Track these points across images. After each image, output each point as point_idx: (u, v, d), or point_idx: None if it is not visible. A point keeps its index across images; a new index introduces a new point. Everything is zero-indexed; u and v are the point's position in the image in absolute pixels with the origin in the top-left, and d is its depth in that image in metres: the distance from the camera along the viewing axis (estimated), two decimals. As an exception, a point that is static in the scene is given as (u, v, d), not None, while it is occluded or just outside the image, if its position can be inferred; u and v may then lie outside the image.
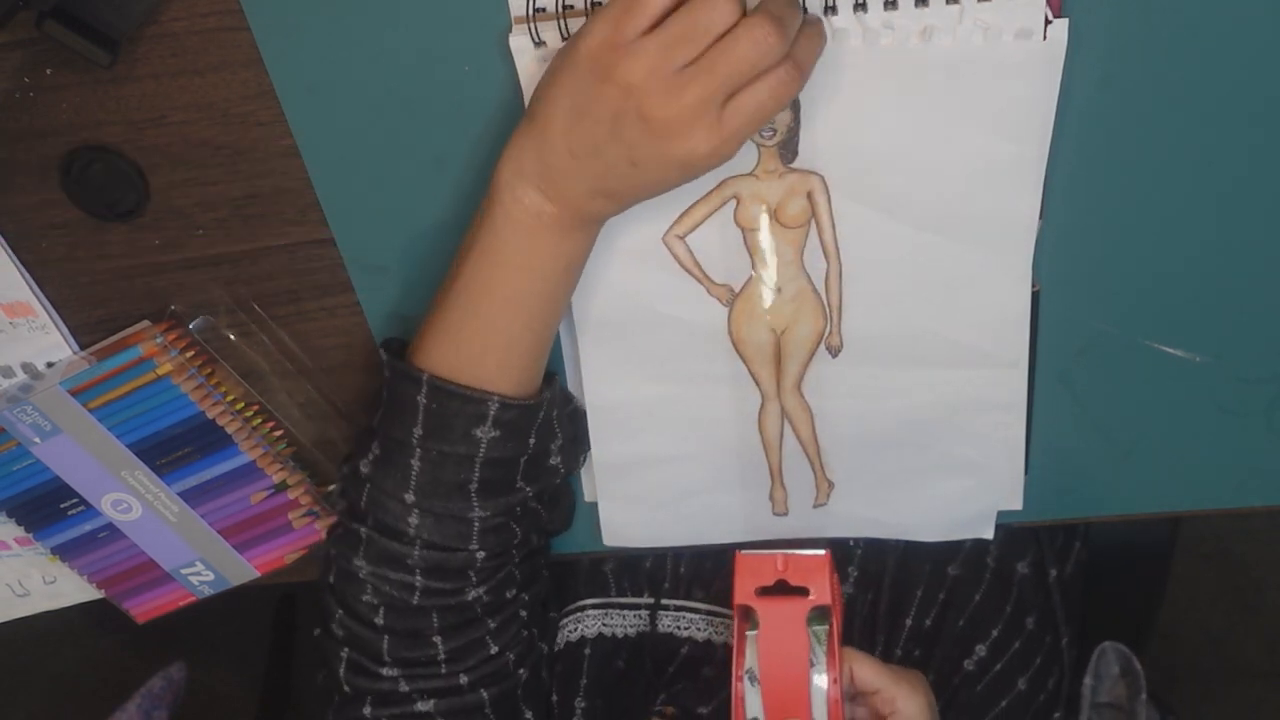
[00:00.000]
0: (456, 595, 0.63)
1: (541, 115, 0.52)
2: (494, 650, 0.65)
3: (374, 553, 0.62)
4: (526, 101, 0.55)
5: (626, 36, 0.48)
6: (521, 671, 0.67)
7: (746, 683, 0.60)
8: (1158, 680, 0.71)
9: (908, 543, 0.75)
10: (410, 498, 0.61)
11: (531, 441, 0.62)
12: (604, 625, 0.75)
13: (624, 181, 0.53)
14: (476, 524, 0.62)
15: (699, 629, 0.74)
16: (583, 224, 0.56)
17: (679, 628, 0.75)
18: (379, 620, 0.63)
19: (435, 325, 0.60)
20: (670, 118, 0.49)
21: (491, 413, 0.59)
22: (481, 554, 0.63)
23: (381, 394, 0.62)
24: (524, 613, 0.67)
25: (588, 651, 0.73)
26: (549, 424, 0.63)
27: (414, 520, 0.61)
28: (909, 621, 0.75)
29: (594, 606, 0.76)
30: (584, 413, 0.68)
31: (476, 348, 0.59)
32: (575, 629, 0.75)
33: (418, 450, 0.60)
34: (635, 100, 0.49)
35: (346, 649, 0.64)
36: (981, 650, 0.75)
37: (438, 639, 0.63)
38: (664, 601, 0.76)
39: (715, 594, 0.76)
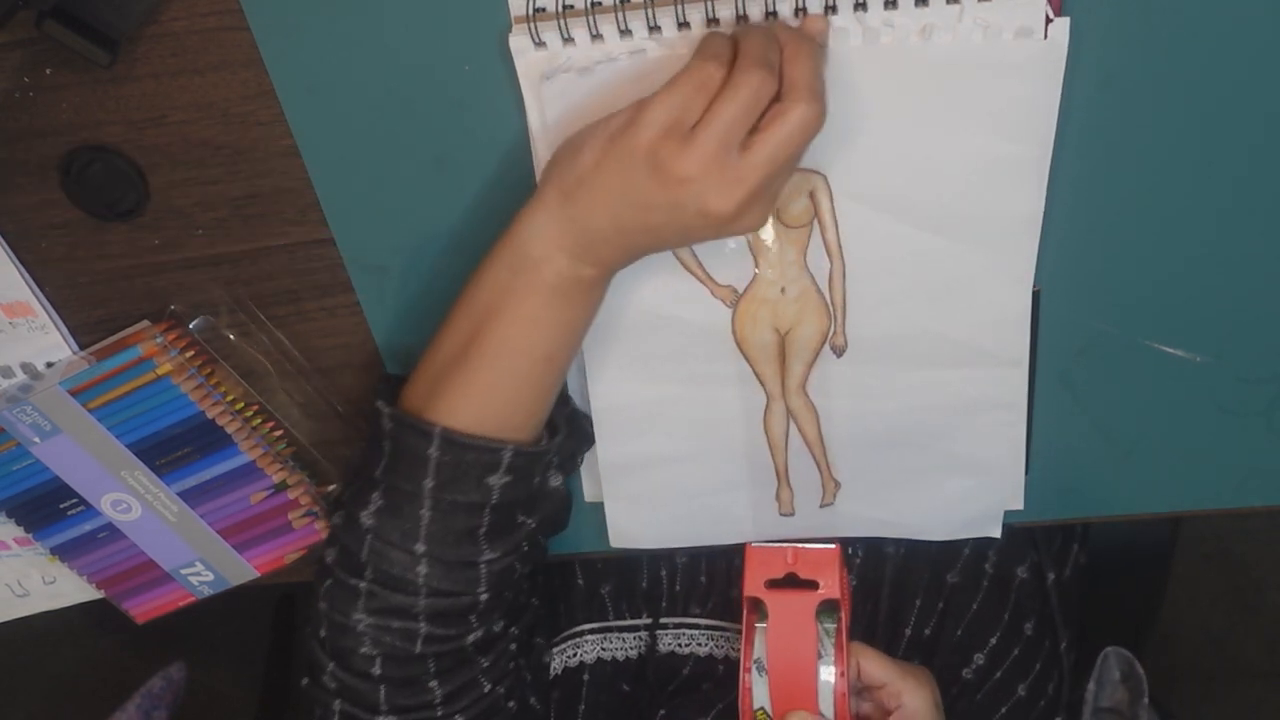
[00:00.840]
0: (458, 640, 0.62)
1: (585, 200, 0.53)
2: (487, 688, 0.64)
3: (375, 605, 0.60)
4: (527, 103, 0.55)
5: (682, 130, 0.50)
6: (511, 704, 0.66)
7: (754, 673, 0.60)
8: (1158, 680, 0.71)
9: (906, 550, 0.75)
10: (420, 548, 0.59)
11: (536, 480, 0.62)
12: (603, 650, 0.75)
13: (671, 244, 0.57)
14: (484, 568, 0.61)
15: (700, 645, 0.74)
16: (615, 272, 0.57)
17: (680, 645, 0.74)
18: (376, 670, 0.61)
19: (450, 380, 0.58)
20: (733, 207, 0.51)
21: (505, 461, 0.59)
22: (485, 595, 0.62)
23: (379, 444, 0.60)
24: (513, 646, 0.67)
25: (586, 677, 0.73)
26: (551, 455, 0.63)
27: (422, 570, 0.60)
28: (908, 631, 0.75)
29: (592, 631, 0.75)
30: (582, 413, 0.67)
31: (500, 403, 0.59)
32: (574, 655, 0.74)
33: (428, 501, 0.59)
34: (696, 191, 0.50)
35: (339, 700, 0.62)
36: (980, 659, 0.75)
37: (434, 683, 0.62)
38: (663, 620, 0.75)
39: (714, 608, 0.75)
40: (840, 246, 0.60)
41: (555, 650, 0.75)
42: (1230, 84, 0.53)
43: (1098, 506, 0.72)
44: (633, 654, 0.74)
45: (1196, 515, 0.73)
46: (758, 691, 0.60)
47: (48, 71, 0.57)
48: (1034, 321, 0.62)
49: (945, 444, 0.67)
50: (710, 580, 0.76)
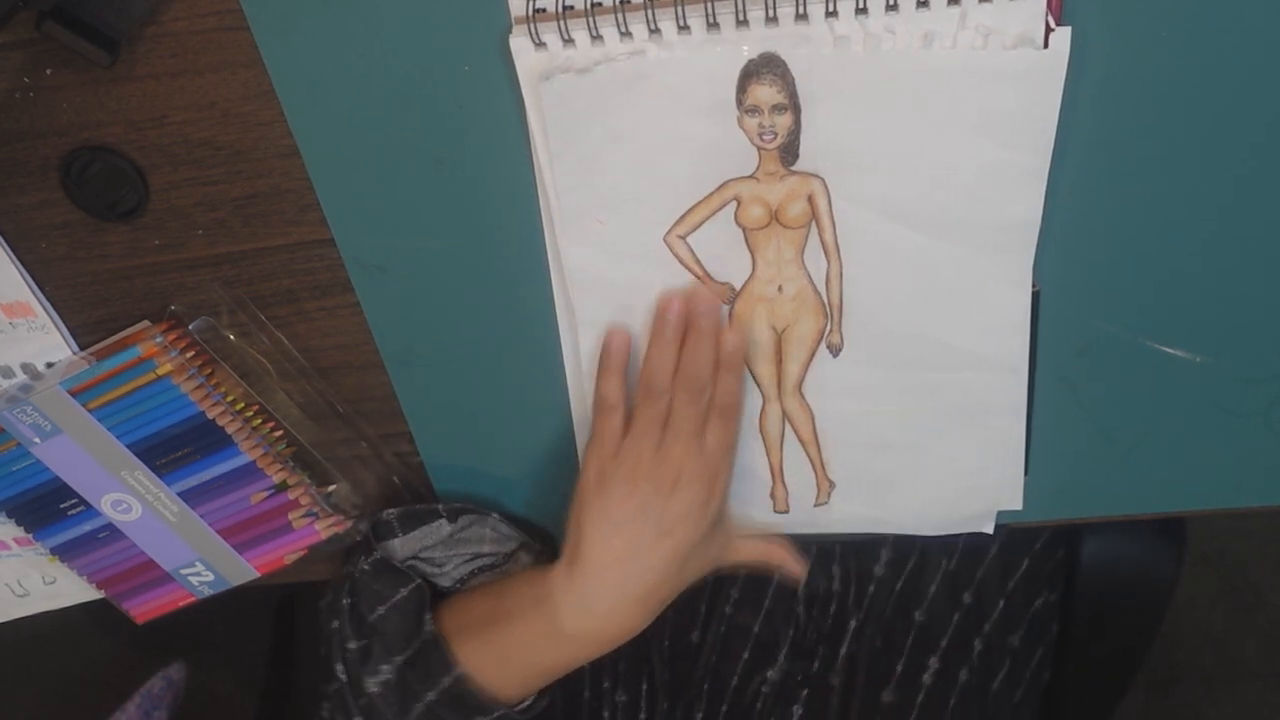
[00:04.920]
0: None
1: (585, 549, 0.61)
2: None
3: None
4: (527, 103, 0.55)
5: (610, 453, 0.61)
6: None
7: None
8: (1158, 680, 0.71)
9: (889, 582, 0.77)
10: None
11: None
12: None
13: (667, 558, 0.62)
14: None
15: None
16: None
17: None
18: None
19: (485, 637, 0.65)
20: (672, 475, 0.61)
21: (496, 714, 0.65)
22: None
23: (417, 631, 0.66)
24: None
25: None
26: None
27: None
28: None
29: None
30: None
31: (514, 676, 0.65)
32: None
33: (420, 708, 0.64)
34: (643, 482, 0.60)
35: None
36: (935, 663, 0.77)
37: None
38: None
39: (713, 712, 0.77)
40: (837, 247, 0.60)
41: None
42: (1230, 89, 0.53)
43: (1097, 506, 0.72)
44: None
45: (1196, 515, 0.73)
46: None
47: (48, 72, 0.57)
48: (1034, 321, 0.62)
49: (941, 446, 0.67)
50: (650, 715, 0.78)
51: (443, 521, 0.71)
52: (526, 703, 0.67)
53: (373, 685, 0.65)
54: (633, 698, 0.78)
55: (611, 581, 0.61)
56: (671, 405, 0.61)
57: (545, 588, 0.63)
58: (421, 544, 0.71)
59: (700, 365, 0.61)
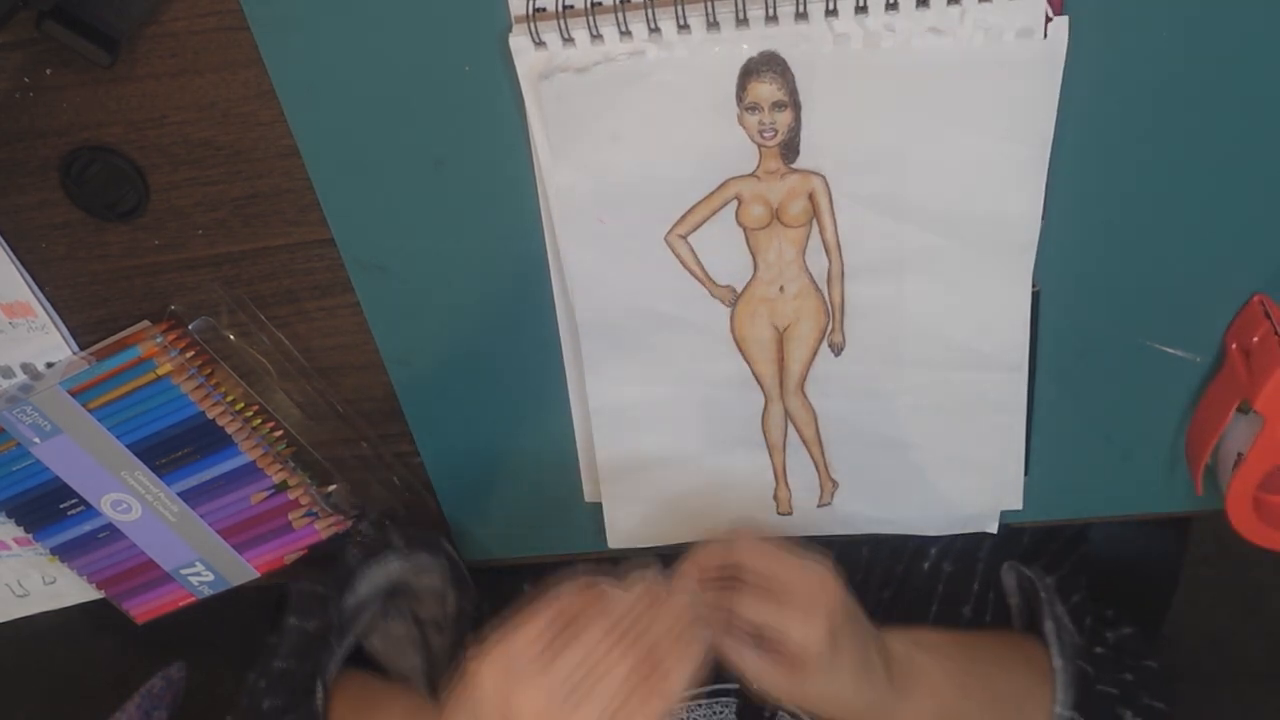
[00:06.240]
0: None
1: None
2: None
3: None
4: (527, 103, 0.55)
5: (515, 667, 0.51)
6: None
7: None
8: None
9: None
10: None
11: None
12: None
13: None
14: None
15: None
16: None
17: None
18: None
19: None
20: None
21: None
22: None
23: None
24: None
25: None
26: None
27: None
28: None
29: None
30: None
31: None
32: None
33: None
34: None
35: None
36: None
37: None
38: None
39: None
40: (839, 246, 0.60)
41: None
42: (1230, 82, 0.53)
43: (1097, 506, 0.72)
44: None
45: (1197, 515, 0.73)
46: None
47: (48, 72, 0.57)
48: (1034, 321, 0.62)
49: (943, 445, 0.67)
50: None
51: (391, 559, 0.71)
52: None
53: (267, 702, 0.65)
54: None
55: None
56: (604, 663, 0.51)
57: None
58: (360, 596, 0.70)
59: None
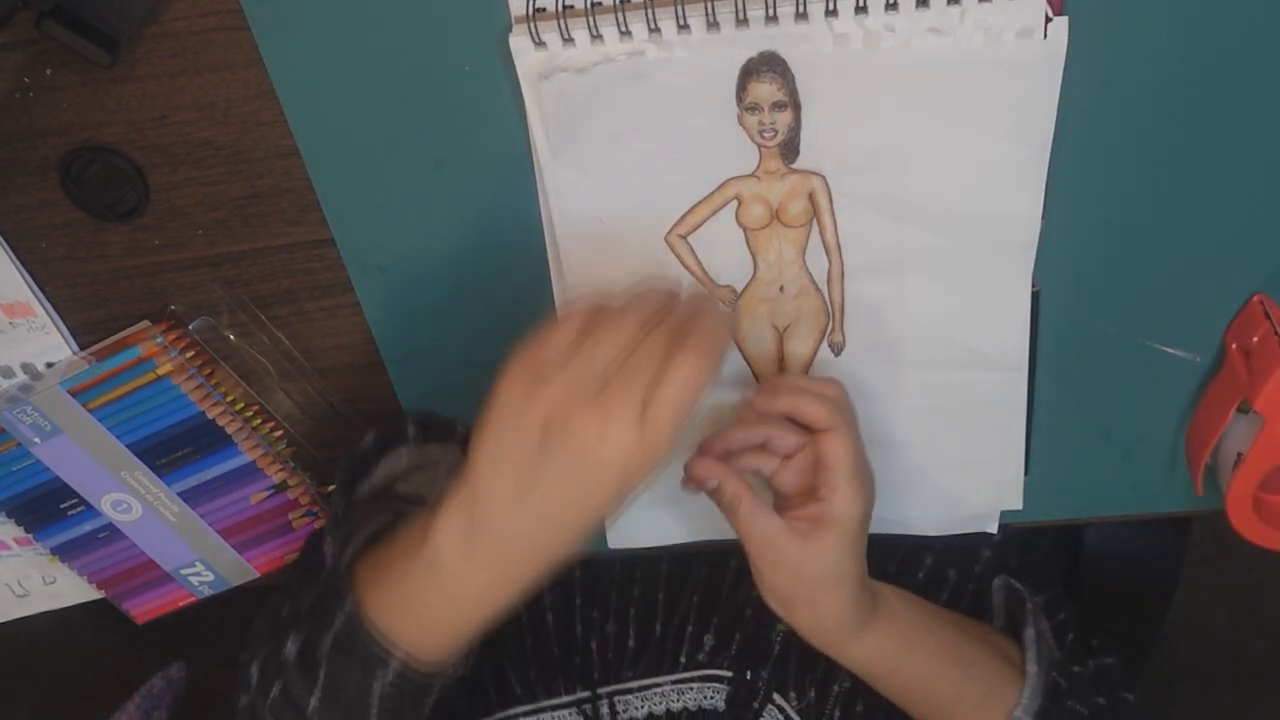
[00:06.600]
0: None
1: (470, 476, 0.51)
2: None
3: None
4: (527, 103, 0.55)
5: (543, 371, 0.48)
6: None
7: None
8: (1159, 681, 0.71)
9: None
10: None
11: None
12: None
13: (562, 509, 0.50)
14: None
15: (637, 709, 0.72)
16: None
17: (619, 712, 0.72)
18: None
19: (387, 577, 0.55)
20: (594, 428, 0.47)
21: (392, 668, 0.54)
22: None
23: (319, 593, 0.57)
24: None
25: None
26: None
27: None
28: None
29: (525, 714, 0.73)
30: None
31: (417, 627, 0.54)
32: None
33: (323, 667, 0.55)
34: (560, 420, 0.48)
35: None
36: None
37: None
38: (599, 692, 0.73)
39: (645, 668, 0.73)
40: (839, 246, 0.60)
41: None
42: (1230, 82, 0.53)
43: (1097, 506, 0.72)
44: None
45: (1197, 515, 0.73)
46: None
47: (48, 72, 0.57)
48: (1034, 321, 0.62)
49: (943, 445, 0.67)
50: (640, 642, 0.74)
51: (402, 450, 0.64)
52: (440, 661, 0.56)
53: (290, 651, 0.57)
54: (621, 626, 0.75)
55: (496, 525, 0.51)
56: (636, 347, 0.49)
57: (429, 521, 0.52)
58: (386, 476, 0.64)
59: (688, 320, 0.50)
